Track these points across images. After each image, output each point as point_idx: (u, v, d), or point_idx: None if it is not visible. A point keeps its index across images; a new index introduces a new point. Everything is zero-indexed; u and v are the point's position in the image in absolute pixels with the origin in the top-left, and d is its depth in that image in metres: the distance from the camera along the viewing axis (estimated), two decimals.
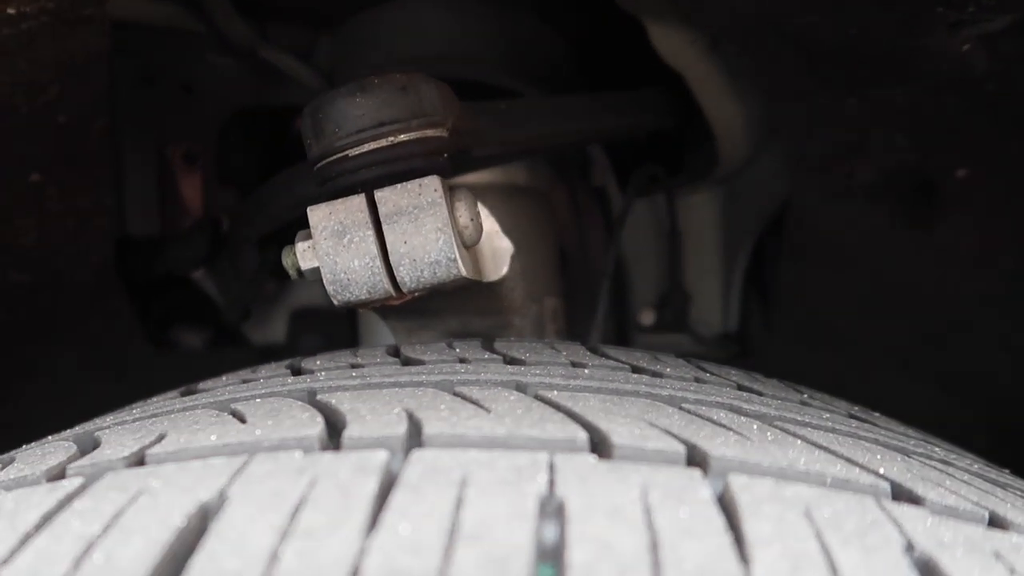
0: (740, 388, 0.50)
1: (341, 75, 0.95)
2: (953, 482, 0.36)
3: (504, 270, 0.61)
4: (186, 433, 0.35)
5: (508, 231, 0.61)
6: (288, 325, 1.17)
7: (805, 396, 0.53)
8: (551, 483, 0.28)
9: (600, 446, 0.32)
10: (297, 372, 0.51)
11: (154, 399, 0.53)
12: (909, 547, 0.26)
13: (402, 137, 0.52)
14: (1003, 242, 0.89)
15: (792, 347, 1.06)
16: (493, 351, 0.54)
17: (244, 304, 1.09)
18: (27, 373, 1.01)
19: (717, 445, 0.33)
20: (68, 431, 0.47)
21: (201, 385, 0.54)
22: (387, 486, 0.28)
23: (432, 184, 0.51)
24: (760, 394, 0.49)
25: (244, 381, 0.51)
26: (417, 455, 0.30)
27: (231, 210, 1.07)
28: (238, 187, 1.10)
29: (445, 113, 0.56)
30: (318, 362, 0.53)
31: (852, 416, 0.50)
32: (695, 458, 0.32)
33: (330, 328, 1.15)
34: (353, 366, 0.51)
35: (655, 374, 0.49)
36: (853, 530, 0.27)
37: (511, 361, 0.51)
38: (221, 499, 0.27)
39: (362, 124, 0.52)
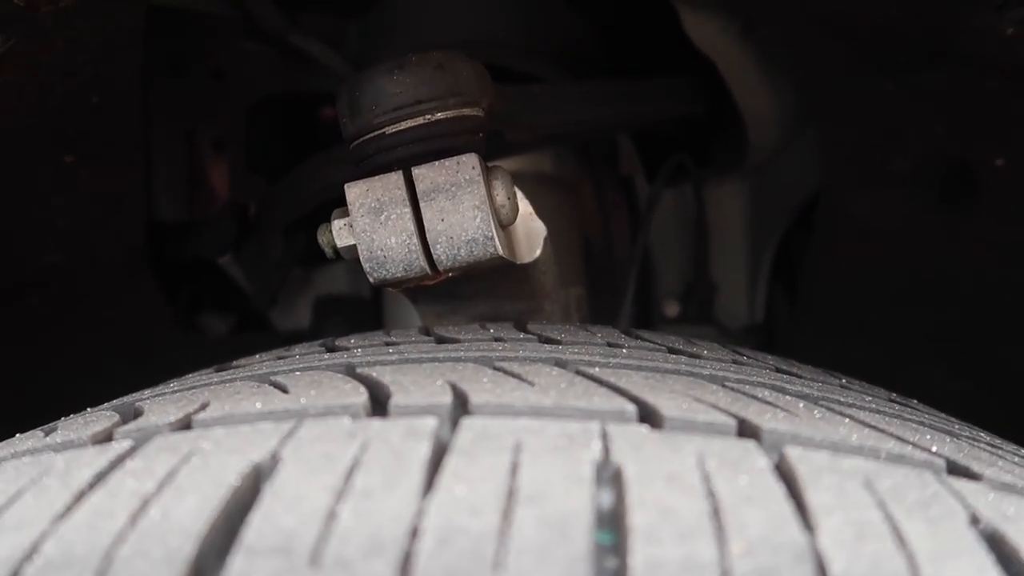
0: (778, 371, 0.49)
1: (369, 61, 0.95)
2: (1005, 462, 0.35)
3: (538, 252, 0.61)
4: (229, 401, 0.35)
5: None
6: (313, 311, 1.17)
7: (844, 380, 0.52)
8: (605, 450, 0.27)
9: (649, 418, 0.32)
10: (332, 350, 0.51)
11: (189, 376, 0.53)
12: (974, 520, 0.26)
13: (439, 115, 0.52)
14: None
15: (819, 339, 1.04)
16: (527, 332, 0.53)
17: (271, 290, 1.09)
18: (56, 354, 1.02)
19: (767, 420, 0.32)
20: (106, 404, 0.47)
21: (235, 363, 0.54)
22: (439, 452, 0.28)
23: (470, 161, 0.51)
24: (799, 376, 0.48)
25: (279, 358, 0.51)
26: (467, 422, 0.30)
27: (258, 197, 1.07)
28: (265, 174, 1.11)
29: (481, 93, 0.55)
30: (352, 340, 0.53)
31: (892, 400, 0.49)
32: (746, 431, 0.31)
33: (355, 315, 1.15)
34: (388, 344, 0.50)
35: (693, 355, 0.48)
36: (915, 502, 0.26)
37: (546, 341, 0.50)
38: (273, 460, 0.27)
39: (400, 102, 0.52)
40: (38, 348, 0.97)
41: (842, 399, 0.42)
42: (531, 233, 0.60)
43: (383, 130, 0.52)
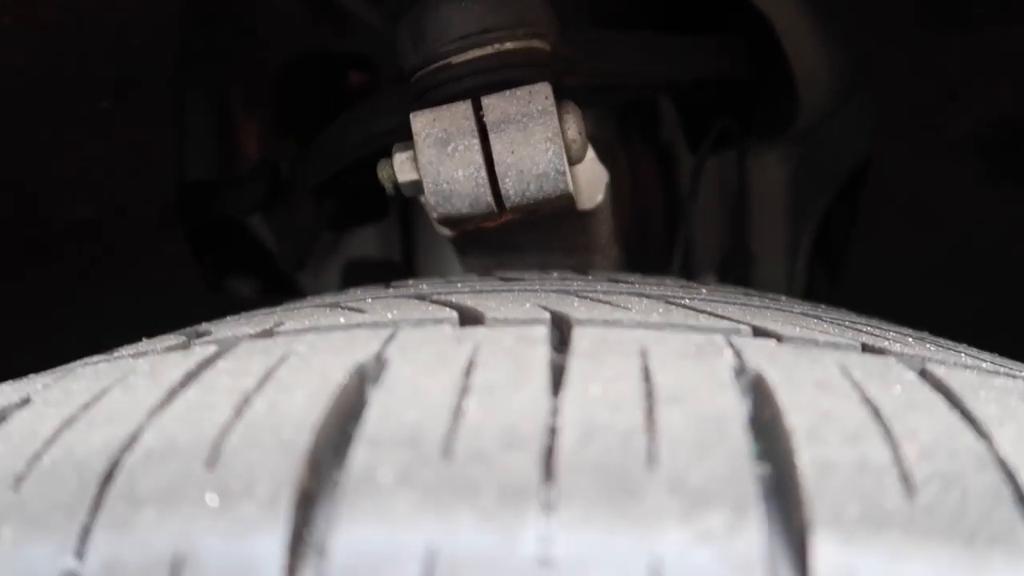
0: (861, 316, 0.47)
1: (405, 12, 0.93)
2: None
3: (599, 198, 0.58)
4: (308, 319, 0.33)
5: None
6: (342, 275, 1.15)
7: (927, 333, 0.50)
8: (739, 358, 0.25)
9: (770, 335, 0.29)
10: (391, 288, 0.49)
11: (247, 312, 0.51)
12: None
13: (508, 45, 0.50)
14: None
15: (862, 313, 1.02)
16: (591, 275, 0.51)
17: (301, 253, 1.07)
18: (86, 311, 1.01)
19: (889, 345, 0.30)
20: (163, 335, 0.45)
21: (286, 304, 0.52)
22: (558, 362, 0.25)
23: (543, 91, 0.48)
24: (885, 323, 0.46)
25: (337, 295, 0.49)
26: (580, 331, 0.28)
27: (289, 157, 1.05)
28: (296, 135, 1.09)
29: (549, 26, 0.53)
30: (411, 281, 0.51)
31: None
32: (873, 351, 0.29)
33: (385, 278, 1.13)
34: (451, 282, 0.48)
35: (772, 298, 0.46)
36: None
37: (617, 281, 0.48)
38: (379, 362, 0.25)
39: (467, 30, 0.49)
40: (69, 304, 0.96)
41: (941, 344, 0.40)
42: (593, 178, 0.58)
43: (449, 59, 0.50)
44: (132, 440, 0.22)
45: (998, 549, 0.18)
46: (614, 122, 0.95)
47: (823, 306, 0.49)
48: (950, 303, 0.98)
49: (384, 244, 1.11)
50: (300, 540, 0.19)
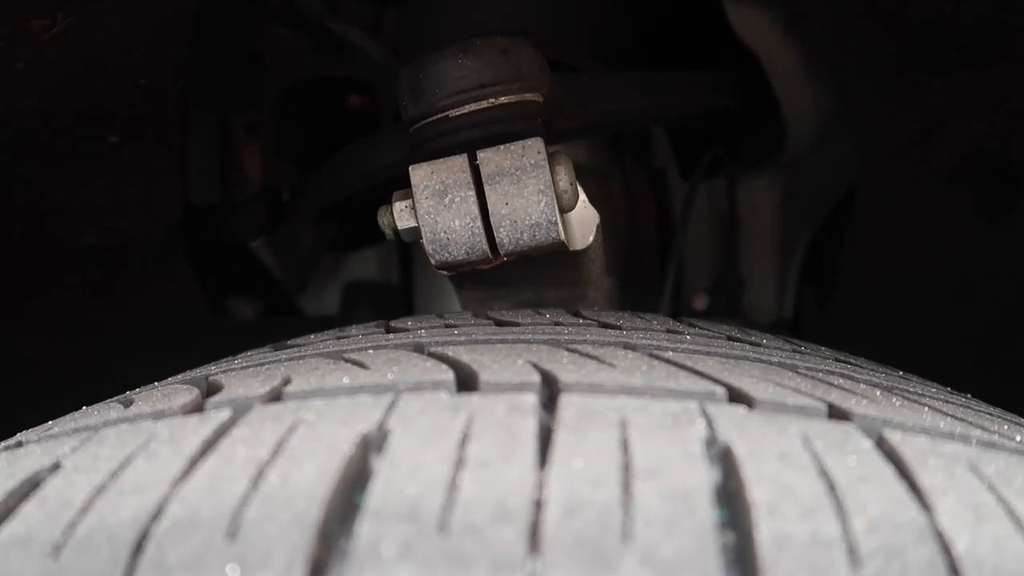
0: (837, 360, 0.49)
1: (407, 49, 0.95)
2: None
3: (590, 239, 0.61)
4: (313, 376, 0.36)
5: None
6: (342, 297, 1.17)
7: (901, 373, 0.52)
8: (711, 428, 0.28)
9: (740, 401, 0.32)
10: (391, 331, 0.51)
11: (246, 354, 0.53)
12: None
13: (503, 99, 0.52)
14: None
15: (849, 337, 1.04)
16: (582, 316, 0.53)
17: (302, 276, 1.09)
18: (91, 334, 1.03)
19: (854, 405, 0.33)
20: (172, 378, 0.47)
21: (291, 342, 0.54)
22: (546, 427, 0.28)
23: (536, 146, 0.51)
24: (860, 367, 0.48)
25: (339, 338, 0.51)
26: (567, 399, 0.30)
27: (290, 182, 1.08)
28: (296, 160, 1.11)
29: (542, 79, 0.55)
30: (409, 323, 0.53)
31: (952, 393, 0.49)
32: (836, 415, 0.31)
33: (384, 301, 1.16)
34: (448, 326, 0.51)
35: (754, 343, 0.49)
36: (1023, 485, 0.26)
37: (606, 326, 0.50)
38: (382, 432, 0.28)
39: (463, 85, 0.52)
40: (74, 330, 0.98)
41: (911, 389, 0.43)
42: (584, 220, 0.61)
43: (446, 113, 0.52)
44: (159, 511, 0.25)
45: None
46: (607, 151, 0.98)
47: (802, 347, 0.52)
48: (935, 325, 1.00)
49: (383, 267, 1.14)
50: None
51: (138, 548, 0.23)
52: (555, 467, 0.25)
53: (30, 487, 0.28)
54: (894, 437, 0.29)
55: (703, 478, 0.25)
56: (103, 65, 0.73)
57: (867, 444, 0.28)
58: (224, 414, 0.31)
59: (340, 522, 0.24)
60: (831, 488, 0.25)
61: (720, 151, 1.02)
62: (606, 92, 0.74)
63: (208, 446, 0.28)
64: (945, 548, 0.23)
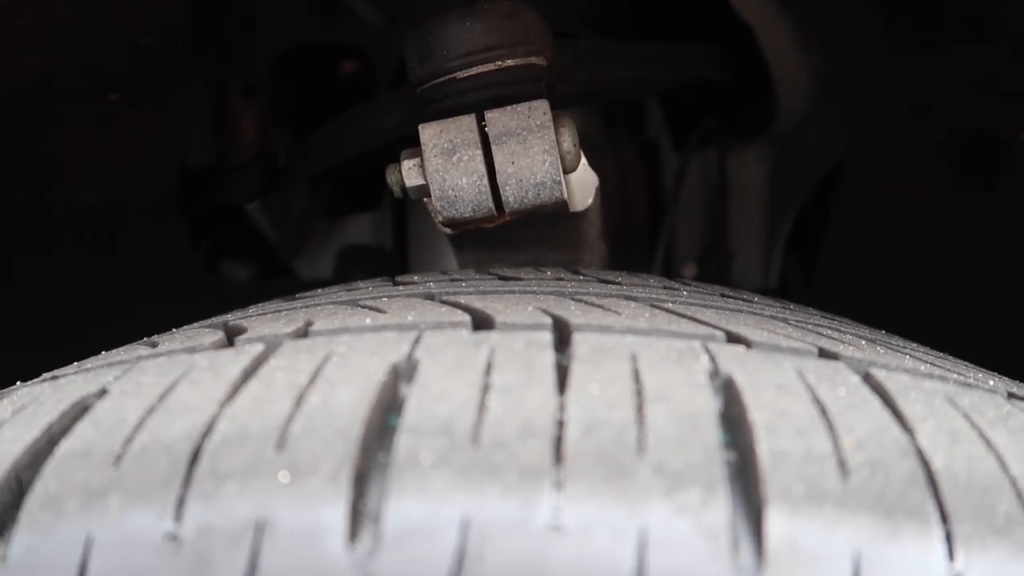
0: (824, 317, 0.52)
1: (404, 13, 0.96)
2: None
3: (589, 200, 0.63)
4: (335, 319, 0.38)
5: None
6: (336, 261, 1.19)
7: (884, 332, 0.55)
8: (714, 362, 0.30)
9: (738, 342, 0.34)
10: (399, 284, 0.53)
11: (255, 306, 0.55)
12: None
13: (509, 62, 0.54)
14: None
15: (832, 308, 1.08)
16: (582, 274, 0.56)
17: (297, 240, 1.11)
18: (89, 293, 1.04)
19: (842, 349, 0.35)
20: (188, 325, 0.49)
21: (299, 295, 0.56)
22: (561, 363, 0.30)
23: (541, 107, 0.53)
24: (845, 323, 0.51)
25: (348, 290, 0.53)
26: (579, 337, 0.32)
27: (285, 147, 1.08)
28: (292, 124, 1.12)
29: (546, 43, 0.57)
30: (416, 277, 0.55)
31: (932, 351, 0.52)
32: (827, 357, 0.34)
33: (377, 265, 1.17)
34: (454, 280, 0.53)
35: (746, 299, 0.51)
36: (994, 417, 0.29)
37: (605, 281, 0.53)
38: (411, 363, 0.30)
39: (471, 47, 0.54)
40: (77, 284, 0.99)
41: (893, 343, 0.45)
42: (584, 183, 0.63)
43: (454, 75, 0.54)
44: (209, 428, 0.27)
45: (910, 520, 0.23)
46: (601, 120, 0.99)
47: (791, 306, 0.54)
48: (916, 298, 1.04)
49: (377, 232, 1.15)
50: (358, 511, 0.24)
51: (194, 458, 0.26)
52: (573, 392, 0.27)
53: (80, 410, 0.30)
54: (879, 374, 0.31)
55: (708, 404, 0.27)
56: (104, 25, 0.74)
57: (855, 379, 0.30)
58: (258, 347, 0.33)
59: (377, 440, 0.26)
60: (823, 413, 0.27)
61: (712, 122, 1.04)
62: (606, 59, 0.75)
63: (247, 374, 0.30)
64: (924, 463, 0.25)
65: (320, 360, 0.30)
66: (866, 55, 0.80)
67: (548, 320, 0.35)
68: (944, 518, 0.24)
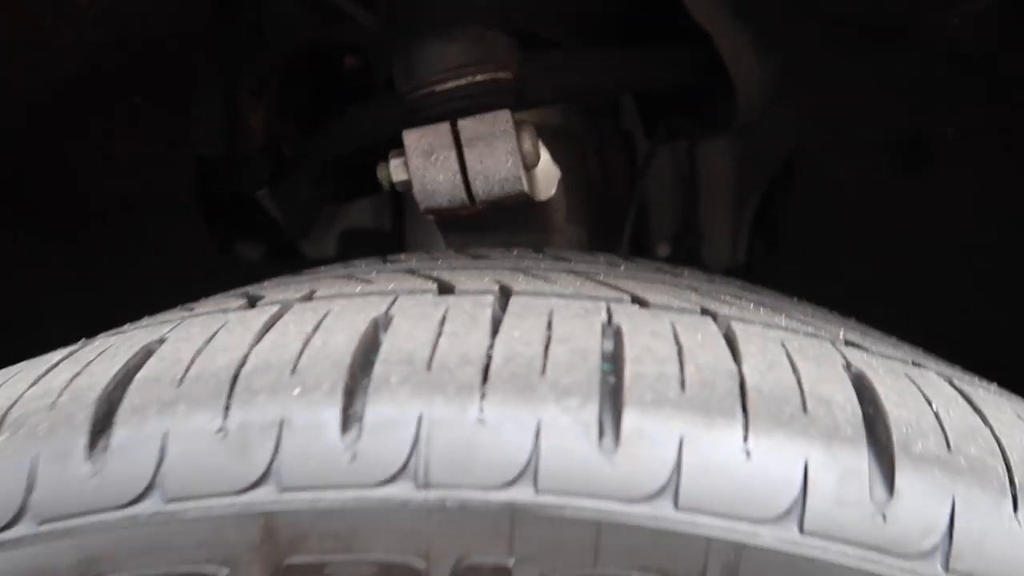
0: (740, 287, 0.63)
1: (398, 21, 1.06)
2: (871, 339, 0.49)
3: (552, 191, 0.74)
4: (334, 287, 0.49)
5: None
6: (339, 242, 1.30)
7: (795, 300, 0.66)
8: (609, 316, 0.41)
9: (639, 303, 0.45)
10: (389, 262, 0.64)
11: (270, 280, 0.66)
12: (847, 366, 0.40)
13: (479, 77, 0.65)
14: (994, 193, 1.01)
15: (792, 282, 1.18)
16: (542, 252, 0.67)
17: (304, 223, 1.22)
18: (115, 274, 1.15)
19: (721, 309, 0.46)
20: (216, 295, 0.60)
21: (306, 271, 0.67)
22: (498, 316, 0.41)
23: (504, 116, 0.64)
24: (755, 291, 0.62)
25: (346, 267, 0.64)
26: (515, 299, 0.43)
27: (290, 139, 1.19)
28: (295, 117, 1.22)
29: (512, 60, 0.68)
30: (402, 256, 0.67)
31: (847, 320, 0.63)
32: (707, 314, 0.45)
33: (377, 247, 1.28)
34: (433, 258, 0.64)
35: (676, 273, 0.62)
36: (812, 355, 0.40)
37: (559, 259, 0.64)
38: (388, 317, 0.41)
39: (446, 64, 0.64)
40: (104, 266, 1.10)
41: (782, 304, 0.56)
42: (548, 176, 0.73)
43: (433, 88, 0.65)
44: (243, 362, 0.38)
45: (722, 417, 0.35)
46: (579, 114, 1.09)
47: (718, 279, 0.65)
48: (865, 275, 1.14)
49: (377, 215, 1.26)
50: (348, 413, 0.35)
51: (234, 380, 0.37)
52: (501, 336, 0.39)
53: (147, 353, 0.41)
54: (736, 326, 0.42)
55: (597, 343, 0.38)
56: (134, 36, 0.85)
57: (714, 328, 0.41)
58: (275, 307, 0.44)
59: (362, 369, 0.37)
60: (680, 351, 0.38)
61: (680, 118, 1.15)
62: (571, 69, 0.86)
63: (268, 326, 0.41)
64: (742, 383, 0.36)
65: (321, 316, 0.42)
66: (808, 59, 0.90)
67: (496, 287, 0.46)
68: (745, 415, 0.35)
